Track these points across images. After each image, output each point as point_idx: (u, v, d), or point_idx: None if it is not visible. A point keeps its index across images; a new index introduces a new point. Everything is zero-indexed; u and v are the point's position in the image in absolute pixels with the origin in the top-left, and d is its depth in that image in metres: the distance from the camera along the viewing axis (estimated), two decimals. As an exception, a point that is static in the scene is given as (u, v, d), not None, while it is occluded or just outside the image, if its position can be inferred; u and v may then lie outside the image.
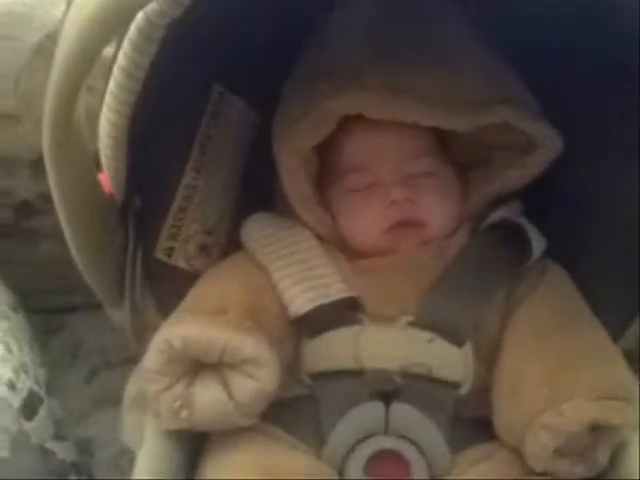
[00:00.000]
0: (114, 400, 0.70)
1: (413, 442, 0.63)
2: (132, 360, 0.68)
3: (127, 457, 0.67)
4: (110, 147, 0.63)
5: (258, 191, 0.77)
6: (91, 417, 0.89)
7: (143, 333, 0.70)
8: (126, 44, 0.58)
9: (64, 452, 0.77)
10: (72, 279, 0.70)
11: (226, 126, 0.74)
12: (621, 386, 0.61)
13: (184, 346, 0.59)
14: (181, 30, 0.59)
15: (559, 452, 0.60)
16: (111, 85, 0.60)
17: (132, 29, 0.57)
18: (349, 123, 0.70)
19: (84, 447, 0.86)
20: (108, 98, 0.61)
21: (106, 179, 0.66)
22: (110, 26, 0.53)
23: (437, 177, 0.72)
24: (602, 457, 0.61)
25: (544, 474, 0.61)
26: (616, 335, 0.68)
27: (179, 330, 0.60)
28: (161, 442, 0.62)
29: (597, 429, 0.60)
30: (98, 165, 0.65)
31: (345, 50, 0.72)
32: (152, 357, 0.60)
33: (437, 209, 0.71)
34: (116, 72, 0.59)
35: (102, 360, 0.94)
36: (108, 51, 0.59)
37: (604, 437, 0.60)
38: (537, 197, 0.74)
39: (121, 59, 0.59)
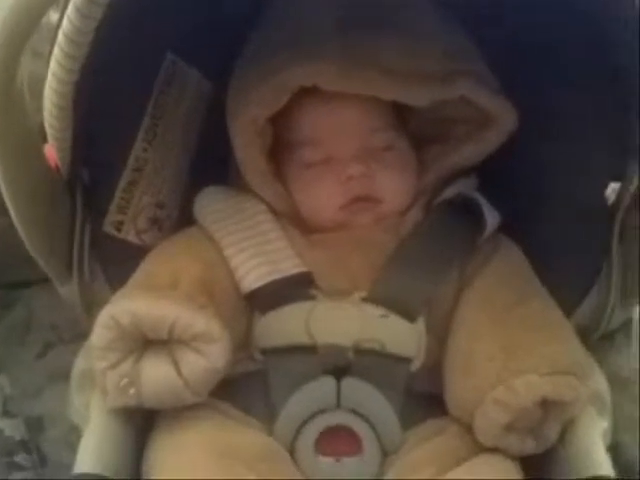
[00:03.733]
0: (67, 376, 0.69)
1: (364, 417, 0.63)
2: (86, 336, 0.67)
3: (77, 434, 0.65)
4: (55, 117, 0.60)
5: (213, 164, 0.75)
6: (43, 393, 0.87)
7: (93, 308, 0.68)
8: (70, 8, 0.56)
9: (12, 429, 0.75)
10: (23, 254, 0.67)
11: (179, 96, 0.73)
12: (573, 362, 0.61)
13: (132, 322, 0.58)
14: None
15: (509, 427, 0.60)
16: (55, 51, 0.58)
17: (76, -8, 0.55)
18: (305, 94, 0.68)
19: (35, 424, 0.84)
20: (52, 65, 0.58)
21: (52, 151, 0.63)
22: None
23: (395, 151, 0.72)
24: (552, 433, 0.61)
25: (494, 449, 0.61)
26: (569, 311, 0.69)
27: (126, 306, 0.59)
28: (108, 420, 0.61)
29: (547, 405, 0.60)
30: (44, 136, 0.63)
31: (304, 19, 0.70)
32: (98, 334, 0.59)
33: (393, 185, 0.70)
34: (60, 38, 0.57)
35: (55, 336, 0.92)
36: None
37: (554, 413, 0.61)
38: (494, 172, 0.73)
39: (65, 24, 0.56)
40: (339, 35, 0.67)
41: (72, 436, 0.80)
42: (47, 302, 0.93)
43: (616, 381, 0.75)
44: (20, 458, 0.75)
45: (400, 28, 0.69)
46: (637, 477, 0.72)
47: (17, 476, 0.75)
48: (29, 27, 0.51)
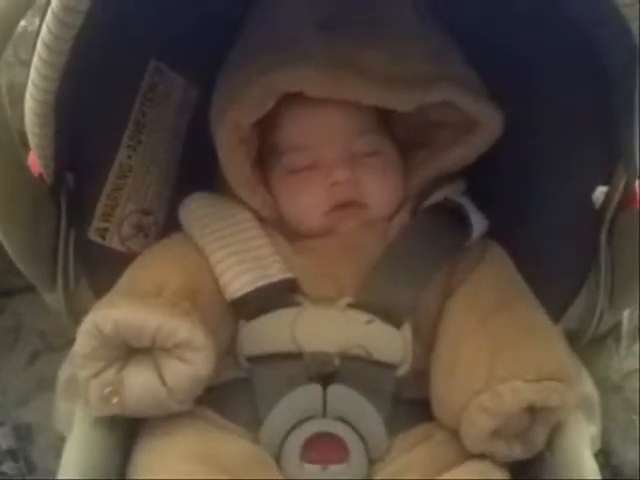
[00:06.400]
0: (55, 384, 0.68)
1: (351, 425, 0.62)
2: (74, 344, 0.67)
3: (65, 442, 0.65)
4: (36, 124, 0.60)
5: (199, 170, 0.74)
6: (32, 401, 0.87)
7: (79, 316, 0.68)
8: (49, 16, 0.56)
9: (0, 438, 0.75)
10: (11, 261, 0.67)
11: (164, 103, 0.72)
12: (559, 367, 0.61)
13: (114, 330, 0.57)
14: (113, 3, 0.56)
15: (496, 433, 0.59)
16: (35, 60, 0.57)
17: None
18: (290, 100, 0.67)
19: (24, 432, 0.83)
20: (32, 73, 0.58)
21: (35, 158, 0.63)
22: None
23: (380, 156, 0.71)
24: (539, 438, 0.61)
25: (482, 455, 0.60)
26: (557, 314, 0.68)
27: (109, 313, 0.58)
28: (91, 428, 0.61)
29: (535, 410, 0.59)
30: (27, 145, 0.63)
31: (289, 24, 0.69)
32: (81, 342, 0.59)
33: (379, 190, 0.70)
34: (39, 46, 0.57)
35: (44, 343, 0.91)
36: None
37: (541, 418, 0.60)
38: (481, 175, 0.73)
39: (44, 32, 0.56)
40: (322, 38, 0.67)
41: (61, 444, 0.80)
42: (36, 309, 0.93)
43: (607, 385, 0.75)
44: (6, 467, 0.74)
45: (383, 31, 0.68)
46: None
47: (3, 485, 0.74)
48: (5, 37, 0.51)
